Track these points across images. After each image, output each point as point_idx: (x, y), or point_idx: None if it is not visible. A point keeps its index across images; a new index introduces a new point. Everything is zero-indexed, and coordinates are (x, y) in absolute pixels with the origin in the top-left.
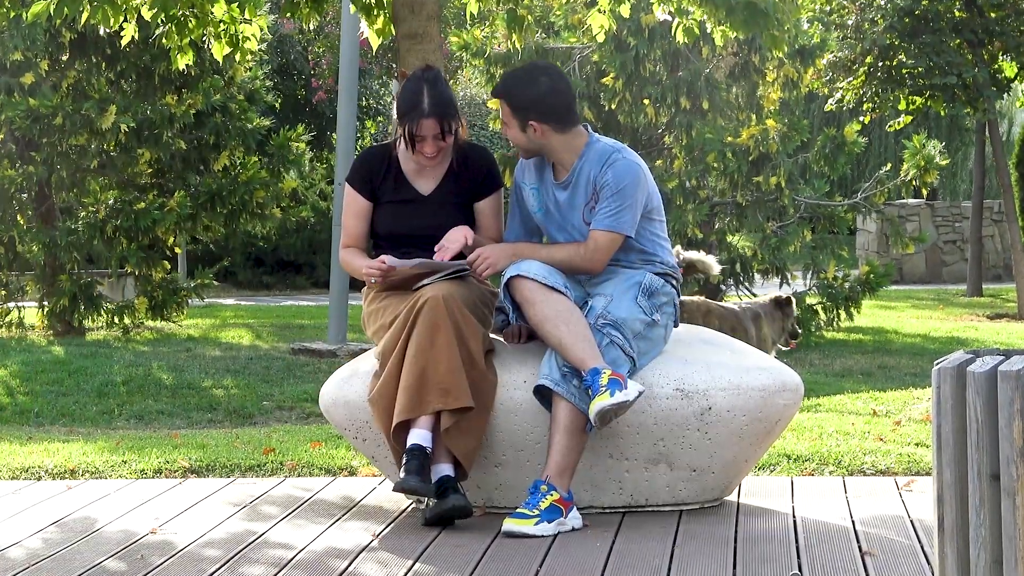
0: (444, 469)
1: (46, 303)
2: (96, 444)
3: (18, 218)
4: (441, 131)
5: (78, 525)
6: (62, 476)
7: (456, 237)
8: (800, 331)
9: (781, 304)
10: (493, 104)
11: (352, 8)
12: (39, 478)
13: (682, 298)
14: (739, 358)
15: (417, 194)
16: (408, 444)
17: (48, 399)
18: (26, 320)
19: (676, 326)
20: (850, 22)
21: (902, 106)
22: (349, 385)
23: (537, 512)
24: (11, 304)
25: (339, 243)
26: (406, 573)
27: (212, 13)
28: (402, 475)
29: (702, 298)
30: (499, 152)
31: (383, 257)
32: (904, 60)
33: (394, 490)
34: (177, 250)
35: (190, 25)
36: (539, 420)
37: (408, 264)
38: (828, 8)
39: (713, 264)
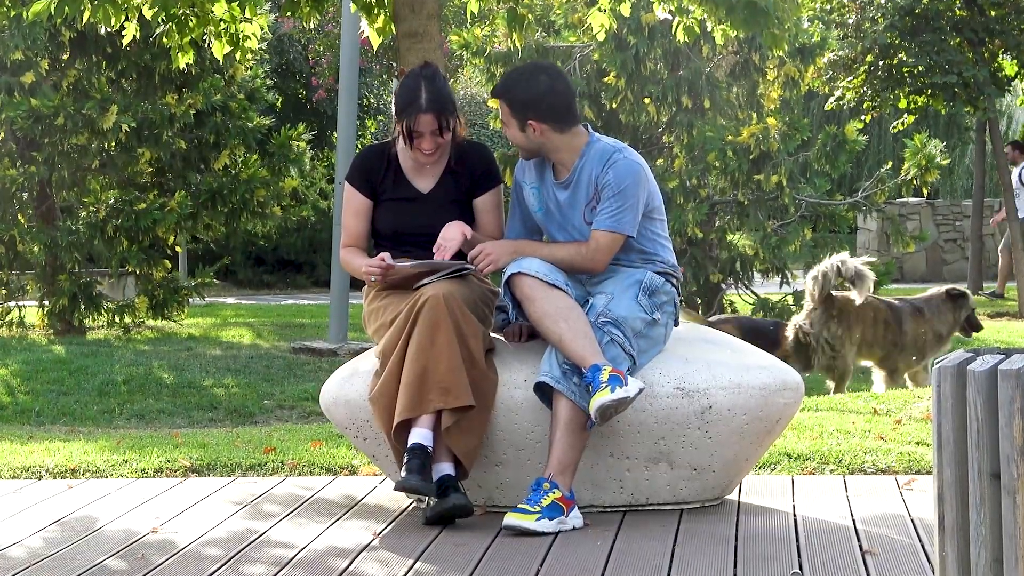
0: (445, 468)
1: (46, 302)
2: (97, 443)
3: (19, 217)
4: (439, 127)
5: (79, 524)
6: (63, 475)
7: (453, 235)
8: (980, 324)
9: (954, 297)
10: (493, 103)
11: (352, 7)
12: (40, 477)
13: (838, 294)
14: (739, 357)
15: (416, 192)
16: (409, 443)
17: (49, 398)
18: (27, 319)
19: (676, 325)
20: (850, 21)
21: (902, 104)
22: (350, 384)
23: (539, 508)
24: (12, 303)
25: (339, 242)
26: (407, 572)
27: (212, 12)
28: (403, 474)
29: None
30: (499, 151)
31: (382, 255)
32: (904, 59)
33: (395, 489)
34: (178, 249)
35: (190, 24)
36: (540, 419)
37: (408, 264)
38: (828, 7)
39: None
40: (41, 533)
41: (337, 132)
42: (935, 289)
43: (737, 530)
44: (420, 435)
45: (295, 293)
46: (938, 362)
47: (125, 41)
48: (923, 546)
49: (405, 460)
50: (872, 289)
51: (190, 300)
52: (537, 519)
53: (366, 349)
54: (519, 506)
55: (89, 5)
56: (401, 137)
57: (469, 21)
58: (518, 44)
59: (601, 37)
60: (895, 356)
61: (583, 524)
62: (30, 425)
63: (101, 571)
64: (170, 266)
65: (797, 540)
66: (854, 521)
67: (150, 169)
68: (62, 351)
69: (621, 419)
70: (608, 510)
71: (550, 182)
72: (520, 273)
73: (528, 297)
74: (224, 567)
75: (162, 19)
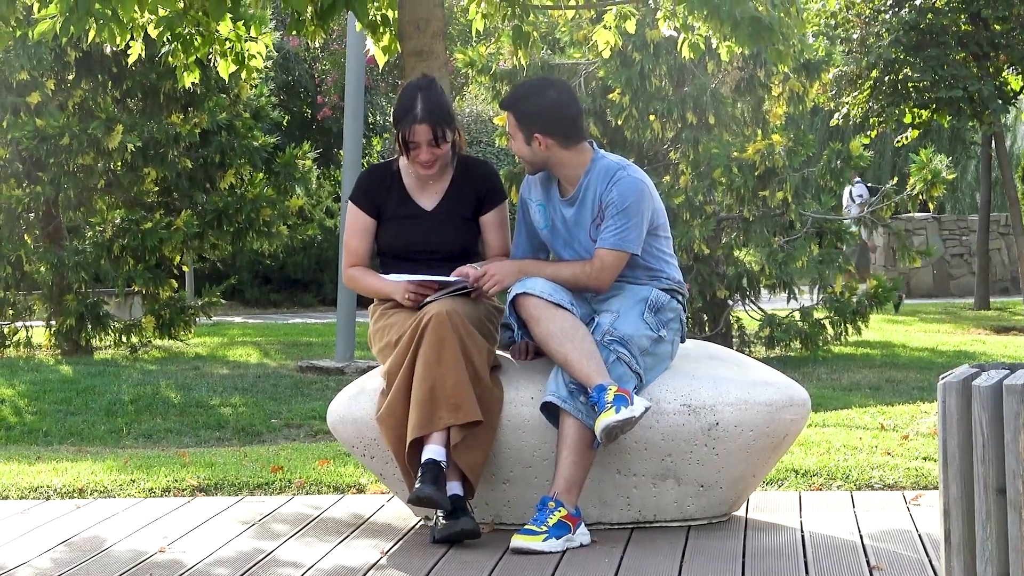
0: (454, 488)
1: (53, 322)
2: (105, 463)
3: (25, 238)
4: (434, 137)
5: (87, 544)
6: (71, 495)
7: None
8: None
9: None
10: (500, 121)
11: (358, 26)
12: (48, 497)
13: None
14: (745, 373)
15: (420, 210)
16: (424, 459)
17: (56, 418)
18: (34, 339)
19: (683, 341)
20: (855, 36)
21: (907, 119)
22: (357, 403)
23: (545, 528)
24: (19, 323)
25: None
26: None
27: (218, 31)
28: (417, 485)
29: None
30: (505, 169)
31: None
32: (910, 74)
33: (409, 501)
34: (184, 268)
35: (196, 43)
36: (547, 437)
37: (416, 278)
38: (833, 22)
39: None
40: (49, 553)
41: (343, 150)
42: None
43: (744, 546)
44: (433, 451)
45: (302, 312)
46: (943, 377)
47: (130, 60)
48: (930, 561)
49: (419, 473)
50: None
51: (197, 319)
52: (544, 539)
53: (373, 367)
54: (526, 527)
55: (94, 24)
56: (398, 148)
57: (474, 39)
58: (523, 61)
59: (606, 54)
60: None
61: (590, 541)
62: (37, 445)
63: None
64: (176, 286)
65: (804, 556)
66: (861, 537)
67: (156, 188)
68: (69, 371)
69: (628, 436)
70: (615, 527)
71: (556, 199)
72: (525, 294)
73: (533, 317)
74: None
75: (167, 38)
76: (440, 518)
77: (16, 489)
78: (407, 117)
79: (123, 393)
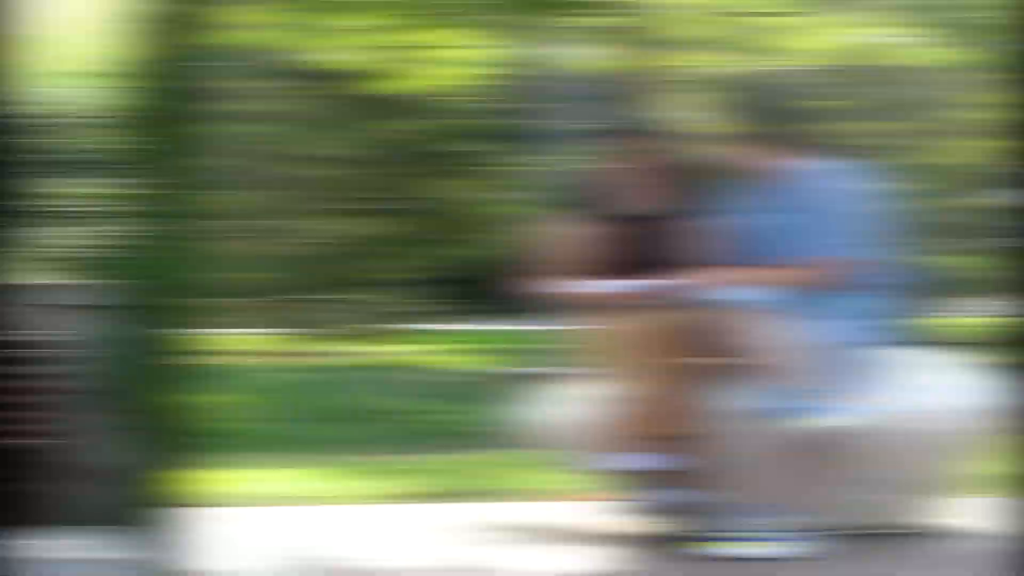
0: (675, 495)
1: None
2: (318, 471)
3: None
4: (646, 147)
5: (310, 553)
6: (291, 503)
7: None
8: None
9: None
10: (702, 128)
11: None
12: (269, 505)
13: None
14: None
15: (630, 217)
16: (640, 467)
17: (276, 424)
18: (254, 345)
19: (896, 347)
20: None
21: None
22: (564, 409)
23: (763, 535)
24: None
25: (544, 269)
26: None
27: (434, 43)
28: (637, 495)
29: None
30: (706, 173)
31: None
32: None
33: (626, 511)
34: (388, 276)
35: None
36: (765, 445)
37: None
38: None
39: None
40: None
41: (544, 157)
42: None
43: None
44: (648, 459)
45: (501, 318)
46: None
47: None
48: None
49: (637, 483)
50: None
51: (396, 326)
52: (761, 546)
53: (580, 374)
54: (741, 534)
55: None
56: (613, 158)
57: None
58: (733, 69)
59: (818, 61)
60: None
61: (811, 549)
62: (263, 452)
63: None
64: (379, 293)
65: None
66: None
67: (366, 196)
68: (290, 376)
69: (847, 444)
70: (843, 535)
71: (758, 204)
72: (725, 301)
73: (733, 328)
74: None
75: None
76: (667, 525)
77: (249, 496)
78: (623, 131)
79: (344, 398)
